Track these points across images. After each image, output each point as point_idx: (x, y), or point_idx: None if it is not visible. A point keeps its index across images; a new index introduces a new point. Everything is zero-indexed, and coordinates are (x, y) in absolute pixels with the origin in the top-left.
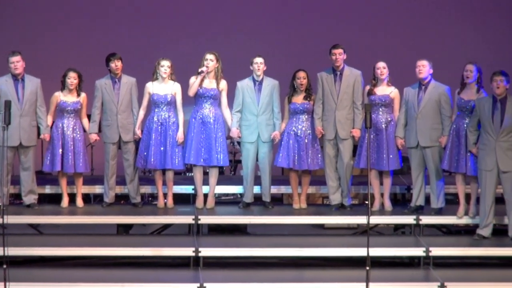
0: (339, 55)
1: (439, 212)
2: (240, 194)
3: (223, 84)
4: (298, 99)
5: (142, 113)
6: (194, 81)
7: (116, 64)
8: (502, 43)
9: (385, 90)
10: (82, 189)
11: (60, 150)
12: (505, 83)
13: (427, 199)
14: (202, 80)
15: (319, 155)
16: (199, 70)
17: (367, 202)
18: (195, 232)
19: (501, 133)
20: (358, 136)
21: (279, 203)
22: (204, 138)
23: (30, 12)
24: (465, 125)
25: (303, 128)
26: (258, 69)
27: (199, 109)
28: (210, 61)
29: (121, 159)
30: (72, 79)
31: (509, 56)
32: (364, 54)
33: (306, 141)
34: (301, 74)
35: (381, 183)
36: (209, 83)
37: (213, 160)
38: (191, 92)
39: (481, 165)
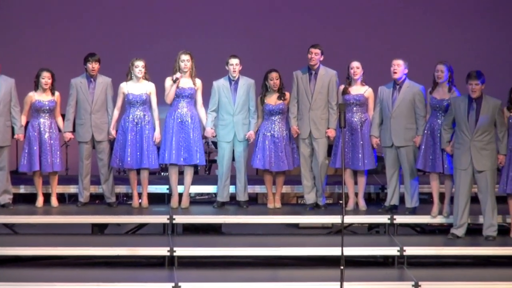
0: (315, 54)
1: (413, 211)
2: (215, 193)
3: (199, 83)
4: (272, 99)
5: (116, 113)
6: (170, 84)
7: (93, 66)
8: (477, 42)
9: (359, 89)
10: (57, 188)
11: (37, 150)
12: (480, 85)
13: (401, 199)
14: (178, 83)
15: (296, 154)
16: (175, 77)
17: (341, 201)
18: (170, 231)
19: (476, 132)
20: (333, 136)
21: (254, 202)
22: (183, 138)
23: (3, 13)
24: (439, 125)
25: (279, 129)
26: (234, 71)
27: (176, 109)
28: (187, 61)
29: (96, 159)
30: (46, 78)
31: (484, 55)
32: (340, 53)
33: (283, 142)
34: (274, 75)
35: (356, 183)
36: (185, 83)
37: (193, 159)
38: (168, 99)
39: (456, 164)
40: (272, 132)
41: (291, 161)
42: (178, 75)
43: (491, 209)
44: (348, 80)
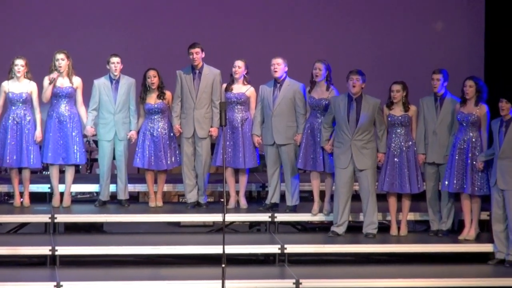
0: (196, 54)
1: (294, 209)
2: (96, 192)
3: (78, 81)
4: (152, 98)
5: None
6: (47, 83)
7: None
8: (357, 43)
9: (241, 88)
10: None
11: None
12: (360, 82)
13: (282, 197)
14: (54, 83)
15: (177, 153)
16: (50, 77)
17: (222, 199)
18: (51, 230)
19: (356, 131)
20: (217, 135)
21: (135, 201)
22: (61, 137)
23: None
24: (319, 124)
25: (159, 128)
26: (115, 69)
27: (55, 108)
28: (62, 60)
29: None
30: None
31: (363, 55)
32: (224, 52)
33: (163, 141)
34: (151, 73)
35: (237, 181)
36: (63, 82)
37: (71, 158)
38: (45, 98)
39: (336, 163)
40: (151, 131)
41: (171, 161)
42: (54, 75)
43: (372, 207)
44: (231, 78)
